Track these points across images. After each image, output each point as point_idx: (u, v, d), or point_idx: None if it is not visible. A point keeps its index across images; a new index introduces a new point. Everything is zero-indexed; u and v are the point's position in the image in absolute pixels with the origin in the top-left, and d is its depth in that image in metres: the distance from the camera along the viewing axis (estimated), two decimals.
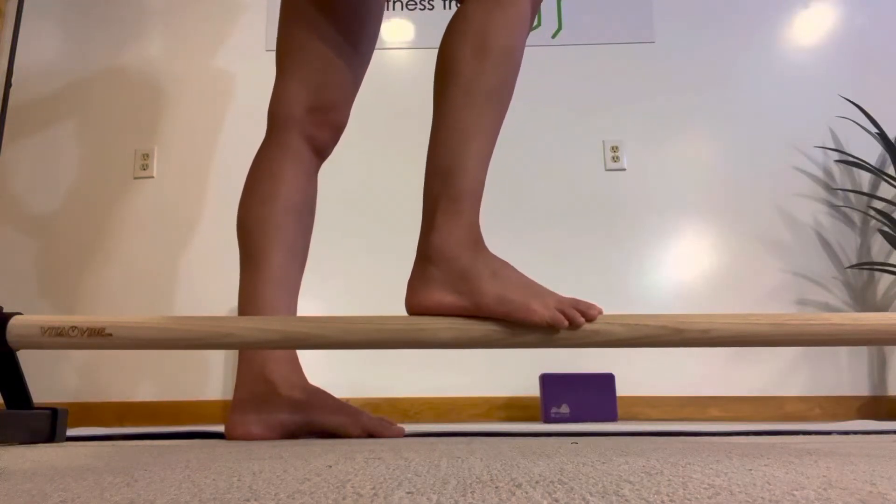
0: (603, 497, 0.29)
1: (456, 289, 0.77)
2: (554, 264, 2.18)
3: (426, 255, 0.80)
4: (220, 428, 1.09)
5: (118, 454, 0.58)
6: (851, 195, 2.25)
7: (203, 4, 2.44)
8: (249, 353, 0.91)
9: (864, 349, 2.12)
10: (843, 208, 2.23)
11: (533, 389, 2.01)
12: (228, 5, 2.43)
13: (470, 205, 0.80)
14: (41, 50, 2.40)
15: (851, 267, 2.17)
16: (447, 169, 0.80)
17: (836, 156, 2.25)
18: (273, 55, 1.06)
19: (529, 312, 0.75)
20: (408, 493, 0.30)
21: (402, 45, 2.38)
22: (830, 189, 2.25)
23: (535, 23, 2.38)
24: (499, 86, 0.83)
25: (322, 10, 1.00)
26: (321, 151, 1.04)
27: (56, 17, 2.43)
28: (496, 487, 0.32)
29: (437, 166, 0.82)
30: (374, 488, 0.32)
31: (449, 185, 0.80)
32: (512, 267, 0.80)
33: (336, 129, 1.04)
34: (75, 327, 0.76)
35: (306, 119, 1.00)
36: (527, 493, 0.30)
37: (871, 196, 2.15)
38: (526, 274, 0.81)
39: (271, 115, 1.02)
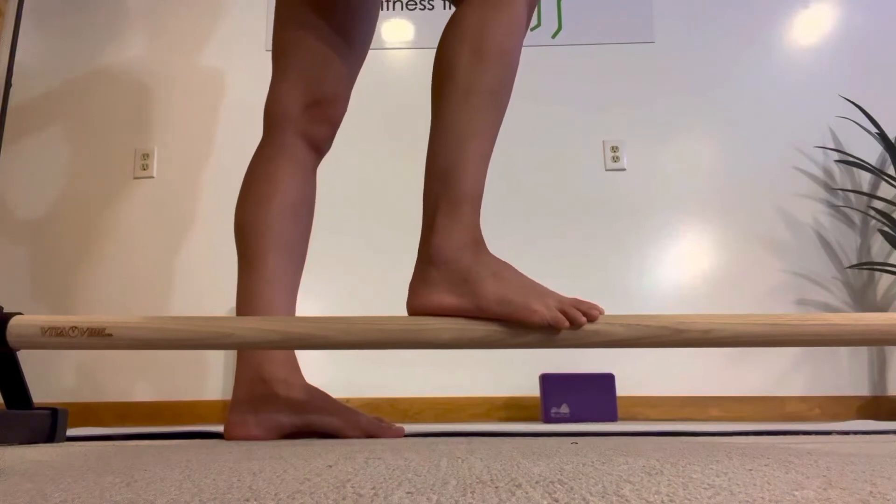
0: (603, 497, 0.29)
1: (457, 291, 0.77)
2: (554, 264, 2.18)
3: (427, 258, 0.80)
4: (220, 428, 1.09)
5: (118, 454, 0.58)
6: (851, 195, 2.25)
7: (204, 5, 2.44)
8: (248, 354, 0.91)
9: (864, 349, 2.12)
10: (843, 208, 2.23)
11: (533, 389, 2.01)
12: (228, 5, 2.43)
13: (470, 207, 0.80)
14: (41, 50, 2.40)
15: (851, 267, 2.17)
16: (446, 171, 0.80)
17: (836, 156, 2.25)
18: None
19: (530, 313, 0.75)
20: (408, 493, 0.30)
21: (402, 45, 2.38)
22: (830, 189, 2.25)
23: (535, 23, 2.39)
24: (496, 87, 0.83)
25: (316, 7, 1.00)
26: (319, 147, 1.04)
27: (56, 16, 2.43)
28: (496, 487, 0.32)
29: (436, 168, 0.82)
30: (374, 488, 0.32)
31: (448, 187, 0.80)
32: (513, 268, 0.80)
33: (332, 124, 1.04)
34: (75, 327, 0.76)
35: (302, 117, 1.00)
36: (527, 493, 0.30)
37: (871, 196, 2.15)
38: (526, 274, 0.81)
39: (267, 115, 1.02)
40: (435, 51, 0.87)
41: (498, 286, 0.77)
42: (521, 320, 0.75)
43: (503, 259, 0.81)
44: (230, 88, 2.36)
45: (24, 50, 2.33)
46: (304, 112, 1.00)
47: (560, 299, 0.77)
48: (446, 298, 0.78)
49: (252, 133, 1.07)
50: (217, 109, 2.34)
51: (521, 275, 0.80)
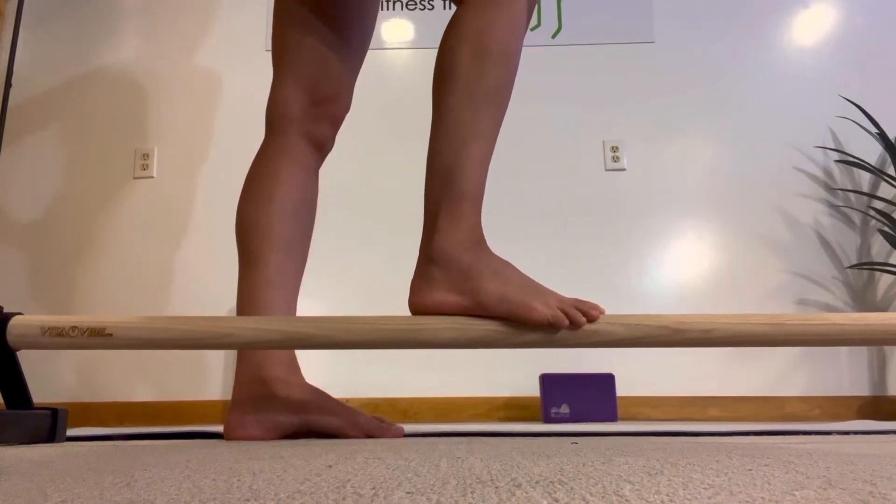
0: (603, 497, 0.29)
1: (458, 289, 0.78)
2: (554, 264, 2.18)
3: (429, 257, 0.80)
4: (220, 428, 1.09)
5: (118, 454, 0.58)
6: (851, 195, 2.25)
7: (204, 4, 2.44)
8: (247, 354, 0.91)
9: (864, 349, 2.12)
10: (843, 208, 2.23)
11: (533, 389, 2.01)
12: (228, 5, 2.43)
13: (471, 206, 0.81)
14: (41, 50, 2.40)
15: (851, 267, 2.17)
16: (448, 171, 0.81)
17: (836, 156, 2.25)
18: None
19: (530, 311, 0.75)
20: (408, 493, 0.30)
21: (402, 45, 2.38)
22: (830, 189, 2.25)
23: (535, 23, 2.39)
24: (498, 87, 0.83)
25: (314, 6, 1.00)
26: (321, 146, 1.04)
27: (56, 17, 2.43)
28: (496, 487, 0.32)
29: (437, 168, 0.82)
30: (374, 488, 0.32)
31: (450, 186, 0.80)
32: (514, 266, 0.81)
33: (334, 121, 1.04)
34: (75, 327, 0.76)
35: (303, 116, 1.00)
36: (527, 493, 0.30)
37: (871, 196, 2.15)
38: (526, 274, 0.81)
39: (269, 115, 1.02)
40: (435, 51, 0.87)
41: (499, 284, 0.77)
42: (521, 318, 0.76)
43: (504, 258, 0.81)
44: (230, 88, 2.36)
45: (24, 50, 2.33)
46: (306, 111, 1.00)
47: (561, 299, 0.77)
48: (448, 297, 0.78)
49: (252, 133, 1.07)
50: (217, 109, 2.34)
51: (523, 274, 0.80)
